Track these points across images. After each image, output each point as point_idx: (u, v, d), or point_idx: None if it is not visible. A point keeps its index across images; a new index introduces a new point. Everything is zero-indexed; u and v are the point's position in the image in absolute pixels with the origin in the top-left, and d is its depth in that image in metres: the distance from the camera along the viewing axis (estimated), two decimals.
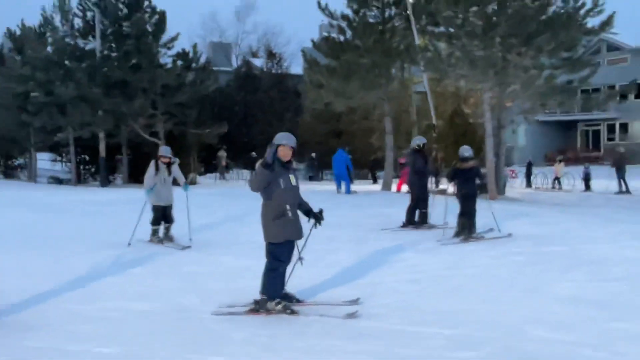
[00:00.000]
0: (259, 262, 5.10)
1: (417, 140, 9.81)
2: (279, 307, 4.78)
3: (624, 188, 18.85)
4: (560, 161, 22.65)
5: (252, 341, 4.13)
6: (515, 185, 22.40)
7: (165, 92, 22.33)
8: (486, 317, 4.63)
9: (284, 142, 4.83)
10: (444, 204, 9.01)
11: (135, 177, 24.74)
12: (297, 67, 33.89)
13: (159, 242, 8.39)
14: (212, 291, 5.68)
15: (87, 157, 25.77)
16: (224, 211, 12.03)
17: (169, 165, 8.67)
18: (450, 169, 9.05)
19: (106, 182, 23.09)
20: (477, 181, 8.75)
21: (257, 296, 4.92)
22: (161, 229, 8.58)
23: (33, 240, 8.49)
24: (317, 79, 18.98)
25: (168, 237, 8.51)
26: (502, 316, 4.64)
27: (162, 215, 8.54)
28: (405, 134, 21.77)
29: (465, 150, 8.81)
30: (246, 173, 26.01)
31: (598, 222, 9.54)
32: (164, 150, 8.90)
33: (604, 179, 19.68)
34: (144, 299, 5.46)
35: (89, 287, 5.92)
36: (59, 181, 24.14)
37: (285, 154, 4.85)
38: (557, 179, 22.02)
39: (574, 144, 36.72)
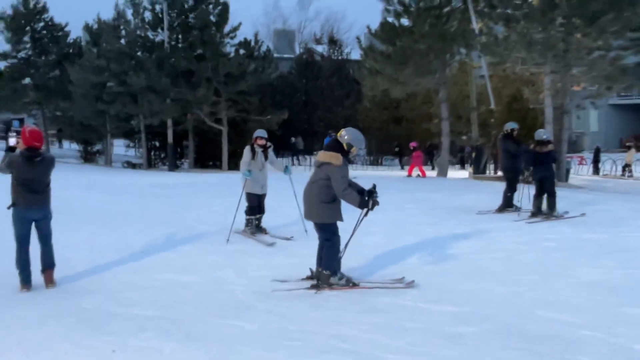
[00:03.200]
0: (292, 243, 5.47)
1: (509, 125, 9.92)
2: (342, 281, 5.18)
3: None
4: (630, 147, 21.50)
5: (273, 310, 4.57)
6: (583, 173, 21.57)
7: (228, 81, 23.22)
8: (499, 297, 4.81)
9: (359, 146, 5.21)
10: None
11: (201, 161, 26.05)
12: (358, 53, 33.96)
13: (252, 235, 7.73)
14: (249, 266, 6.18)
15: (157, 144, 27.31)
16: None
17: (265, 149, 7.89)
18: (529, 154, 9.31)
19: (174, 167, 24.43)
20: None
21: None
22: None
23: (102, 219, 9.38)
24: (373, 66, 19.12)
25: (260, 229, 7.89)
26: (516, 297, 4.80)
27: (258, 204, 7.91)
28: (465, 120, 21.49)
29: (543, 133, 9.22)
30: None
31: None
32: (260, 132, 7.98)
33: None
34: (187, 271, 6.04)
35: (143, 260, 6.59)
36: (132, 165, 25.83)
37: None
38: (627, 165, 20.95)
39: None
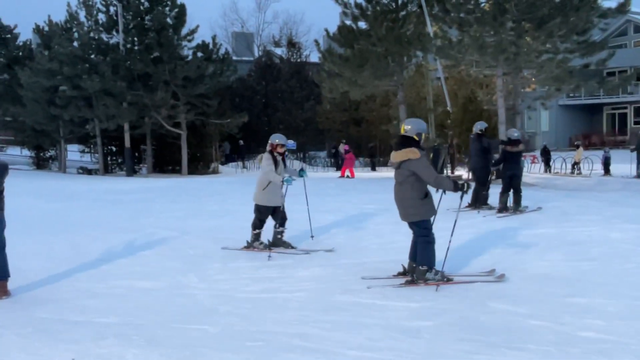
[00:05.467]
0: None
1: (481, 125, 10.23)
2: (438, 276, 5.26)
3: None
4: (578, 146, 22.47)
5: (234, 312, 4.60)
6: (535, 171, 22.37)
7: (187, 84, 22.98)
8: (456, 292, 4.98)
9: (426, 131, 5.47)
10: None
11: (160, 166, 25.63)
12: (316, 55, 34.17)
13: (265, 248, 7.01)
14: (210, 270, 6.18)
15: (113, 148, 26.71)
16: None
17: (284, 156, 7.27)
18: (501, 152, 9.73)
19: (132, 172, 23.96)
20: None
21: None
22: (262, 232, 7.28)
23: (55, 226, 9.13)
24: (331, 68, 19.29)
25: (284, 243, 7.18)
26: (471, 291, 4.99)
27: (266, 218, 7.24)
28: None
29: (514, 132, 9.58)
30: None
31: (598, 206, 9.68)
32: (280, 139, 7.17)
33: (627, 164, 19.51)
34: (148, 277, 5.98)
35: (101, 267, 6.47)
36: (87, 171, 25.16)
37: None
38: (576, 163, 21.88)
39: (600, 127, 36.09)
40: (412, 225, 5.36)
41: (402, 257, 5.66)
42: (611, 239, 6.71)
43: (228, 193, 13.84)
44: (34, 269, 6.25)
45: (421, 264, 5.25)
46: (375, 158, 27.19)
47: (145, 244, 7.70)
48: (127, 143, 23.80)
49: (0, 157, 5.59)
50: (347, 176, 19.25)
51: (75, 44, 23.51)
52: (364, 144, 29.45)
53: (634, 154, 19.06)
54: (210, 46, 24.51)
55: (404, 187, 5.24)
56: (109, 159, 26.63)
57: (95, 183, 18.23)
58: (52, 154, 28.49)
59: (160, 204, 11.94)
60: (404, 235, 5.97)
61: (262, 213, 7.18)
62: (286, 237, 7.26)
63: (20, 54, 26.73)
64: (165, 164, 25.91)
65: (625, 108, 35.06)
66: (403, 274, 5.50)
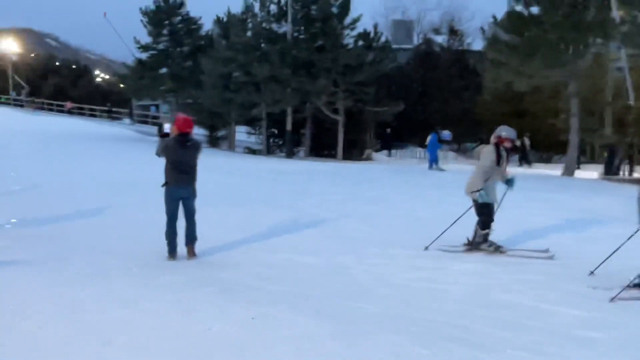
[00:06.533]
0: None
1: None
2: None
3: None
4: None
5: (393, 296, 4.77)
6: None
7: (346, 71, 23.64)
8: (632, 306, 4.58)
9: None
10: None
11: (317, 150, 26.86)
12: (479, 44, 32.73)
13: (497, 251, 6.39)
14: (367, 253, 6.44)
15: (276, 131, 28.59)
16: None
17: (509, 152, 6.56)
18: None
19: (291, 154, 25.47)
20: None
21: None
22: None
23: (228, 200, 10.18)
24: (496, 57, 18.40)
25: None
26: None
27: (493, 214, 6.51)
28: (597, 116, 19.98)
29: None
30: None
31: None
32: (510, 132, 6.43)
33: None
34: (311, 254, 6.43)
35: (269, 240, 7.12)
36: (252, 151, 27.34)
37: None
38: None
39: None
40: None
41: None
42: None
43: (382, 180, 14.09)
44: (212, 235, 7.06)
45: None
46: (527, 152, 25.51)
47: (308, 223, 8.24)
48: (289, 126, 25.31)
49: (195, 137, 6.40)
50: None
51: (249, 33, 25.51)
52: (530, 138, 27.56)
53: None
54: (371, 34, 24.88)
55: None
56: (271, 140, 28.60)
57: (260, 162, 19.78)
58: (223, 134, 31.40)
59: (319, 186, 12.59)
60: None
61: (486, 209, 6.41)
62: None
63: (203, 43, 29.77)
64: (322, 148, 27.05)
65: None
66: None
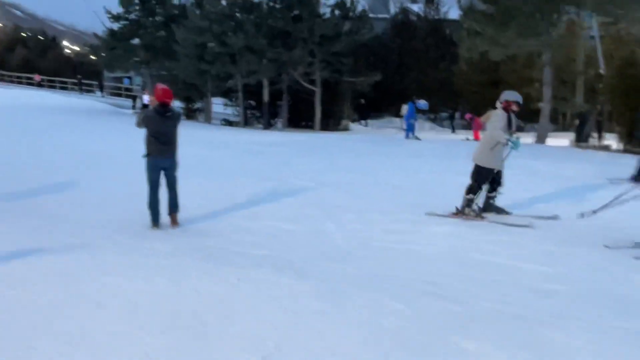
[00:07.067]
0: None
1: None
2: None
3: None
4: None
5: (370, 257, 5.00)
6: None
7: (323, 42, 23.53)
8: (600, 264, 4.90)
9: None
10: None
11: (294, 121, 26.86)
12: (456, 12, 32.75)
13: (478, 216, 6.56)
14: (345, 219, 6.65)
15: (253, 103, 28.44)
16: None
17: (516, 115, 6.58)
18: None
19: (268, 126, 25.44)
20: None
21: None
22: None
23: (208, 171, 10.23)
24: (472, 26, 18.54)
25: (497, 208, 6.75)
26: (617, 265, 4.87)
27: (486, 182, 6.65)
28: (570, 85, 20.39)
29: None
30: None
31: None
32: (516, 97, 6.52)
33: None
34: (291, 221, 6.61)
35: (250, 209, 7.26)
36: (229, 123, 27.22)
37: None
38: None
39: None
40: None
41: None
42: None
43: (359, 150, 14.29)
44: (195, 205, 7.17)
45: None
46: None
47: (287, 192, 8.39)
48: (266, 98, 25.21)
49: (175, 108, 6.44)
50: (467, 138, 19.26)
51: (224, 2, 25.06)
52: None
53: None
54: (348, 4, 24.70)
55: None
56: (248, 112, 28.46)
57: (238, 134, 19.74)
58: (200, 106, 31.09)
59: (298, 157, 12.72)
60: None
61: (482, 176, 6.53)
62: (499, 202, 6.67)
63: (176, 12, 29.14)
64: (299, 120, 27.04)
65: None
66: None
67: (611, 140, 17.76)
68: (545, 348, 3.13)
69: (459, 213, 6.67)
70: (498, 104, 6.57)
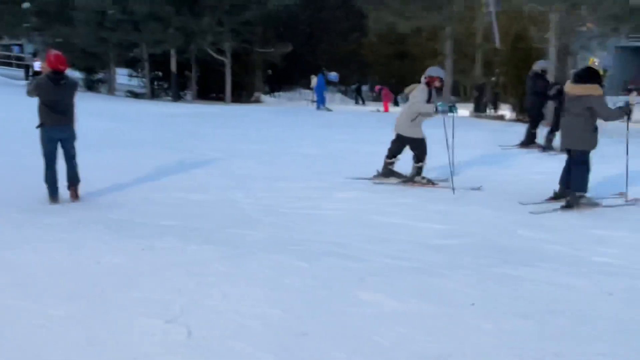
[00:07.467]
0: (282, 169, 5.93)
1: (541, 64, 10.28)
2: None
3: None
4: (631, 90, 21.63)
5: (278, 223, 5.13)
6: None
7: (232, 10, 22.97)
8: (488, 220, 5.35)
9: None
10: None
11: (204, 93, 26.18)
12: None
13: (429, 183, 6.87)
14: (255, 188, 6.71)
15: (160, 74, 27.29)
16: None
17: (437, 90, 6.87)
18: (556, 91, 9.54)
19: (177, 97, 24.62)
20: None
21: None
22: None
23: (111, 144, 9.82)
24: None
25: (396, 173, 7.10)
26: (502, 219, 5.35)
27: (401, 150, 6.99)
28: (469, 58, 21.49)
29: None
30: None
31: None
32: (441, 73, 6.91)
33: None
34: (200, 191, 6.57)
35: (158, 181, 7.10)
36: (135, 95, 25.96)
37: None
38: None
39: None
40: (575, 152, 5.78)
41: None
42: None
43: (271, 121, 14.31)
44: (97, 178, 6.89)
45: (577, 190, 5.72)
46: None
47: (195, 163, 8.29)
48: (173, 69, 24.31)
49: (72, 75, 6.09)
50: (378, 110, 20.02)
51: None
52: (410, 79, 28.99)
53: None
54: None
55: (579, 119, 5.60)
56: (155, 84, 27.30)
57: (144, 106, 18.97)
58: (102, 76, 29.34)
59: (207, 128, 12.51)
60: None
61: (417, 144, 6.80)
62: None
63: None
64: (209, 91, 26.39)
65: None
66: (554, 198, 5.93)
67: (506, 111, 19.06)
68: (433, 294, 3.43)
69: (409, 181, 6.92)
70: (422, 79, 6.83)
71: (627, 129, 6.15)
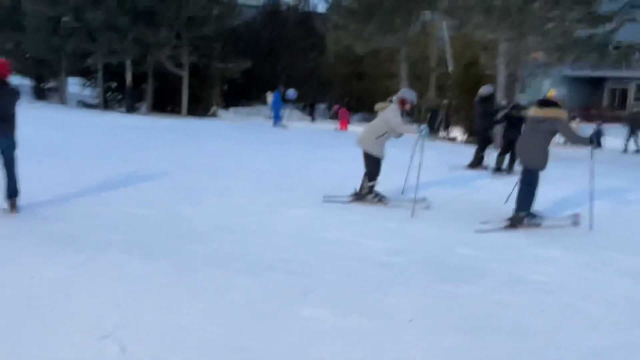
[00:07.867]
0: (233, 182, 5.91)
1: (488, 90, 10.71)
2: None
3: (634, 147, 19.06)
4: (574, 117, 22.74)
5: (224, 238, 5.07)
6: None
7: (191, 24, 22.83)
8: (431, 238, 5.47)
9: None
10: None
11: (160, 106, 25.76)
12: (324, 7, 33.74)
13: (380, 202, 6.89)
14: (204, 203, 6.63)
15: (114, 84, 26.72)
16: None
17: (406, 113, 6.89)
18: (504, 116, 10.12)
19: (131, 109, 24.13)
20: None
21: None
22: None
23: (57, 154, 9.52)
24: (337, 20, 19.31)
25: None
26: (444, 237, 5.47)
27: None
28: (423, 81, 22.10)
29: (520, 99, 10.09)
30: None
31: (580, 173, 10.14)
32: (413, 97, 6.89)
33: (622, 139, 19.91)
34: (146, 205, 6.41)
35: (103, 194, 6.90)
36: (87, 105, 25.29)
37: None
38: None
39: (600, 102, 36.17)
40: (527, 171, 5.96)
41: None
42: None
43: (225, 135, 14.23)
44: (39, 190, 6.66)
45: (521, 209, 5.92)
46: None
47: (145, 176, 8.11)
48: (129, 80, 23.86)
49: (13, 82, 5.88)
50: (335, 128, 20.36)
51: None
52: (366, 99, 29.51)
53: (627, 129, 19.40)
54: None
55: (539, 138, 5.82)
56: (109, 94, 26.68)
57: (96, 117, 18.50)
58: (52, 85, 28.44)
59: (160, 140, 12.32)
60: None
61: (374, 162, 6.82)
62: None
63: None
64: (165, 104, 25.99)
65: (627, 84, 35.08)
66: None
67: (457, 133, 19.64)
68: (375, 309, 3.47)
69: (360, 199, 6.92)
70: (394, 99, 6.85)
71: (591, 157, 6.12)
